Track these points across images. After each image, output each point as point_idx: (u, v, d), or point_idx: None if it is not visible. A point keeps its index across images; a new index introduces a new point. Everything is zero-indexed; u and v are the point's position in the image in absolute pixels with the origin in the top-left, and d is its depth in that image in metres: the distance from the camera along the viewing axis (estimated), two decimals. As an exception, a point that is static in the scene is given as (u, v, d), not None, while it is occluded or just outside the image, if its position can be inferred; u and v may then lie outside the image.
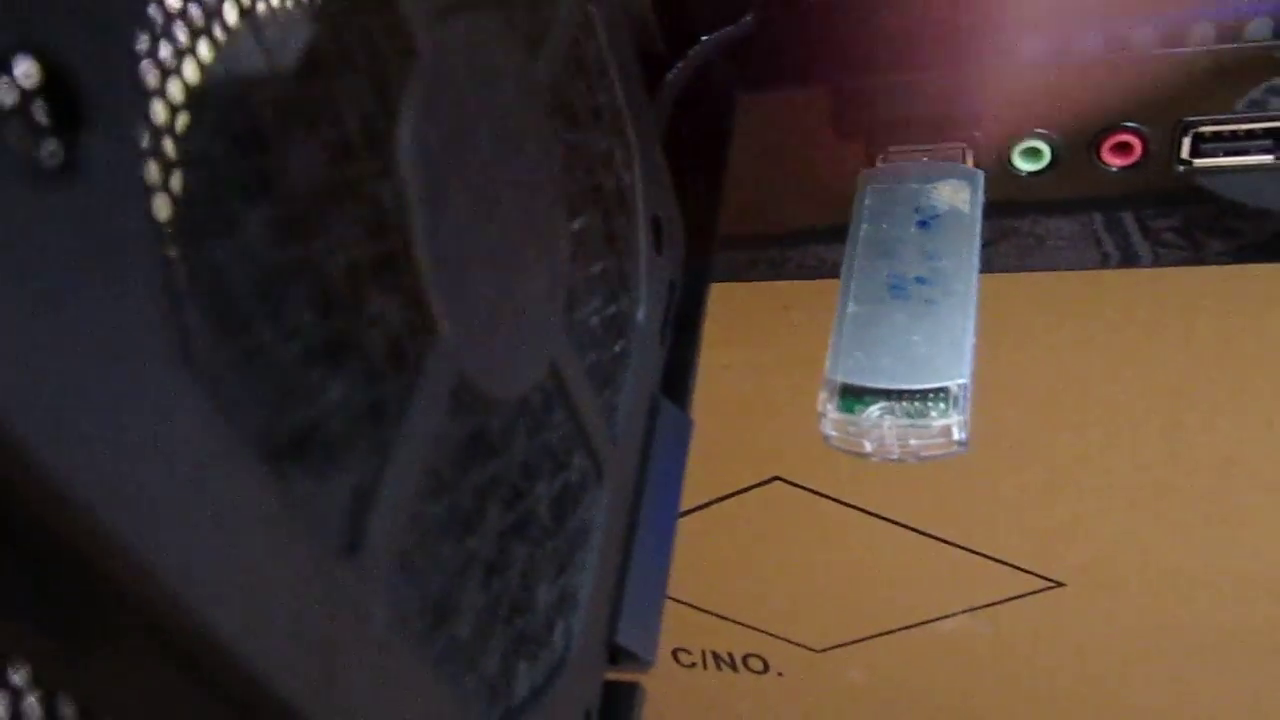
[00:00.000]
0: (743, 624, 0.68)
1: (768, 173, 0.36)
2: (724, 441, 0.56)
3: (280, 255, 0.12)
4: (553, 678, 0.19)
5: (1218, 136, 0.33)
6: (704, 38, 0.35)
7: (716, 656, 0.69)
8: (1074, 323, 0.46)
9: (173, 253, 0.11)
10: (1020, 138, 0.34)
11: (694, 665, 0.69)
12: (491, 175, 0.17)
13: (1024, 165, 0.34)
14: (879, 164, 0.35)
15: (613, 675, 0.22)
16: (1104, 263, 0.38)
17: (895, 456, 0.28)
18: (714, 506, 0.59)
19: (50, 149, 0.09)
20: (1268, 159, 0.33)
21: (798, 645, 0.69)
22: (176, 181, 0.11)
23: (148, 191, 0.10)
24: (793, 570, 0.63)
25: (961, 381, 0.28)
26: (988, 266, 0.37)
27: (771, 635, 0.69)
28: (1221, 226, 0.36)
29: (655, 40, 0.33)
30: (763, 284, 0.44)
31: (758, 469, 0.56)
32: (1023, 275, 0.40)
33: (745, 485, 0.58)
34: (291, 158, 0.13)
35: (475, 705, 0.16)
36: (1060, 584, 0.60)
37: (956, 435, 0.28)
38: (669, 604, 0.75)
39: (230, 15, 0.11)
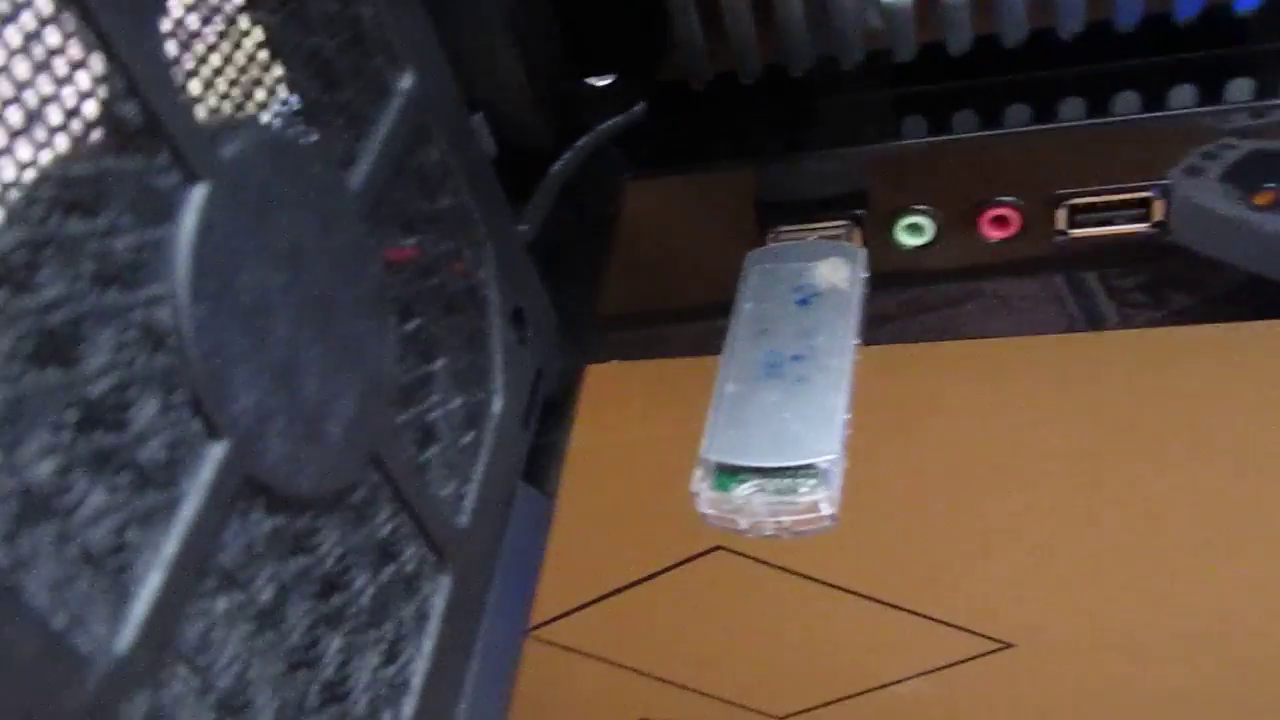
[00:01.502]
0: (703, 693, 0.68)
1: (662, 254, 0.37)
2: (665, 513, 0.56)
3: (35, 379, 0.13)
4: (379, 765, 0.19)
5: (1091, 208, 0.34)
6: (597, 126, 0.36)
7: (678, 727, 0.69)
8: (990, 388, 0.47)
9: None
10: (903, 214, 0.35)
11: (655, 736, 0.69)
12: (290, 284, 0.18)
13: (908, 240, 0.35)
14: (769, 243, 0.36)
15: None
16: (1070, 325, 0.38)
17: (769, 533, 0.29)
18: (661, 577, 0.59)
19: None
20: (1141, 227, 0.34)
21: (758, 712, 0.69)
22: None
23: None
24: (745, 638, 0.63)
25: (830, 458, 0.29)
26: (954, 331, 0.38)
27: (731, 704, 0.69)
28: (1188, 279, 0.37)
29: (540, 135, 0.34)
30: (692, 359, 0.45)
31: (699, 539, 0.57)
32: (941, 345, 0.41)
33: (689, 555, 0.58)
34: (47, 290, 0.14)
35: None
36: (1009, 644, 0.60)
37: (825, 510, 0.29)
38: (630, 675, 0.76)
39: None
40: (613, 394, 0.42)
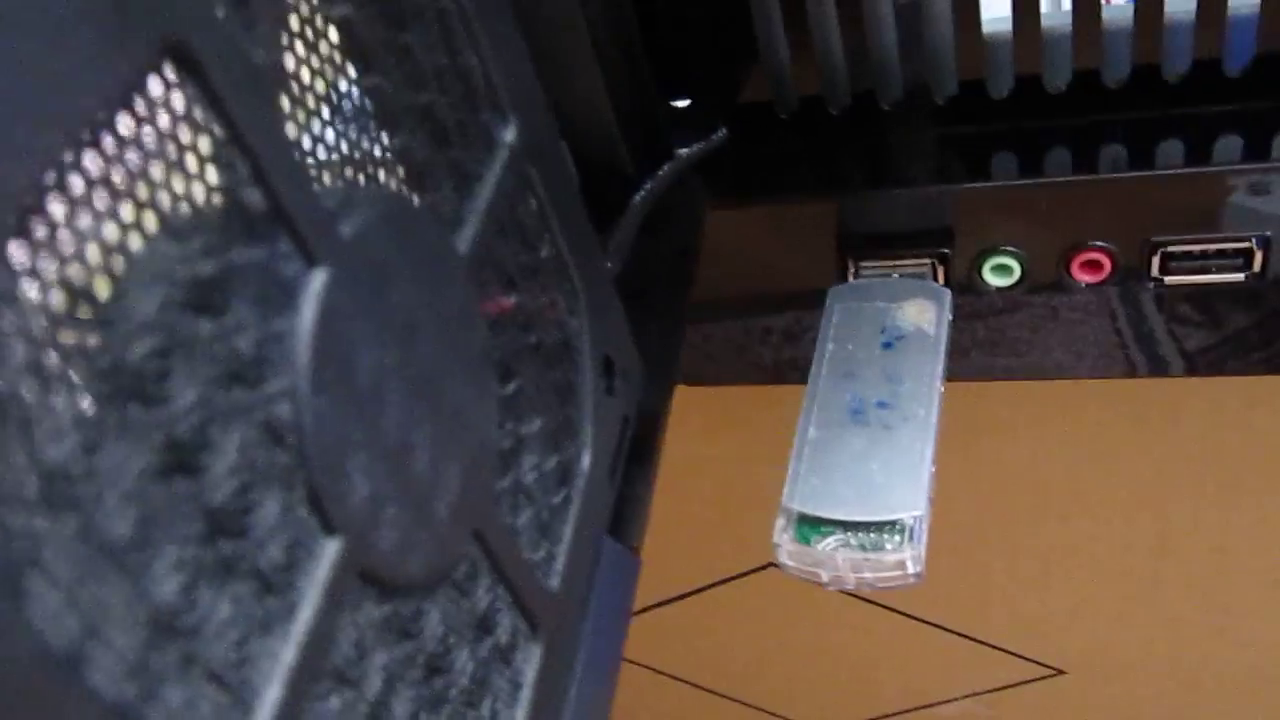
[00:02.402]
0: (747, 704, 0.68)
1: (742, 282, 0.36)
2: (719, 529, 0.56)
3: (164, 494, 0.13)
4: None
5: (1187, 255, 0.33)
6: (679, 151, 0.36)
7: (720, 736, 0.68)
8: (1057, 418, 0.46)
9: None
10: (991, 254, 0.34)
11: (698, 745, 0.68)
12: (403, 361, 0.17)
13: (995, 280, 0.34)
14: (850, 278, 0.35)
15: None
16: (1132, 371, 0.37)
17: (850, 586, 0.28)
18: (710, 591, 0.59)
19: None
20: (1237, 277, 0.33)
21: (799, 726, 0.69)
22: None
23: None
24: (793, 653, 0.63)
25: (917, 513, 0.28)
26: (1006, 346, 0.37)
27: (776, 715, 0.68)
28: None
29: (622, 160, 0.34)
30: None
31: (753, 556, 0.56)
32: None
33: (741, 571, 0.58)
34: (177, 400, 0.13)
35: None
36: (1061, 671, 0.60)
37: (911, 569, 0.28)
38: (675, 684, 0.75)
39: (101, 290, 0.12)
40: (674, 411, 0.41)
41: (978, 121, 0.34)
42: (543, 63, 0.28)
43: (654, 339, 0.30)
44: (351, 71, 0.17)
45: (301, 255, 0.15)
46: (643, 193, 0.33)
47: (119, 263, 0.12)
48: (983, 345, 0.37)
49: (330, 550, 0.15)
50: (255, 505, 0.14)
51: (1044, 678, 0.60)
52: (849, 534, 0.28)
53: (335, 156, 0.17)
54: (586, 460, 0.24)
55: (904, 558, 0.28)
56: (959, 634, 0.58)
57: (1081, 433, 0.46)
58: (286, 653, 0.14)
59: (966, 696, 0.63)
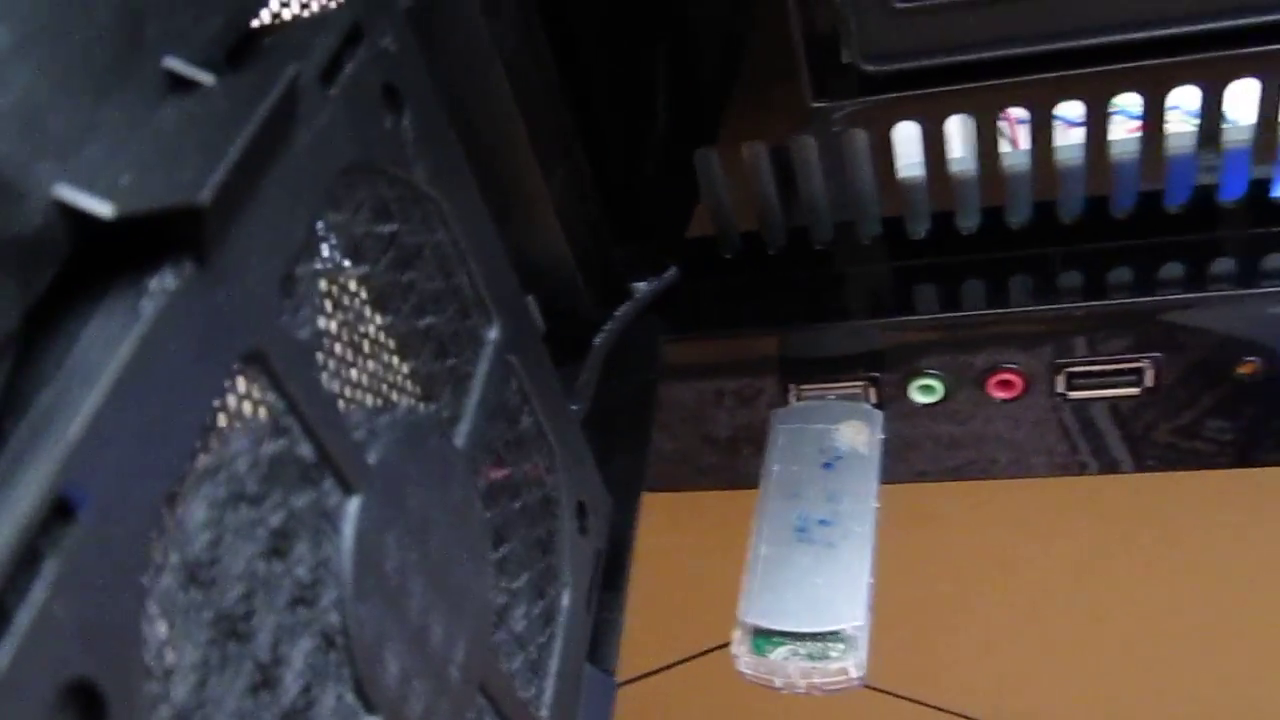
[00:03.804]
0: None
1: (692, 406, 0.40)
2: (684, 606, 0.59)
3: (252, 706, 0.16)
4: None
5: (1088, 374, 0.37)
6: (635, 288, 0.39)
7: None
8: (994, 502, 0.50)
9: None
10: (917, 376, 0.38)
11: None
12: (420, 555, 0.21)
13: (921, 399, 0.38)
14: (792, 400, 0.39)
15: None
16: (1082, 470, 0.41)
17: (801, 691, 0.32)
18: (678, 668, 0.62)
19: None
20: (1133, 391, 0.37)
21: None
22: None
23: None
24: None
25: (858, 624, 0.32)
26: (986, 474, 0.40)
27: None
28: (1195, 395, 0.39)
29: (583, 302, 0.37)
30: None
31: (716, 633, 0.59)
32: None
33: (705, 648, 0.61)
34: (261, 635, 0.16)
35: None
36: (1008, 730, 0.63)
37: (854, 674, 0.32)
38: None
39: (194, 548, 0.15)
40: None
41: (901, 258, 0.38)
42: (508, 221, 0.32)
43: (620, 469, 0.34)
44: (372, 317, 0.21)
45: (340, 487, 0.19)
46: (604, 333, 0.37)
47: (215, 532, 0.16)
48: (948, 445, 0.41)
49: (371, 728, 0.19)
50: (316, 700, 0.18)
51: (992, 737, 0.63)
52: (798, 644, 0.32)
53: (360, 394, 0.20)
54: (567, 599, 0.28)
55: (847, 665, 0.31)
56: (910, 699, 0.62)
57: (1012, 515, 0.51)
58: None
59: (921, 757, 0.66)
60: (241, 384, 0.17)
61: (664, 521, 0.52)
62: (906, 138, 0.35)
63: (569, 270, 0.37)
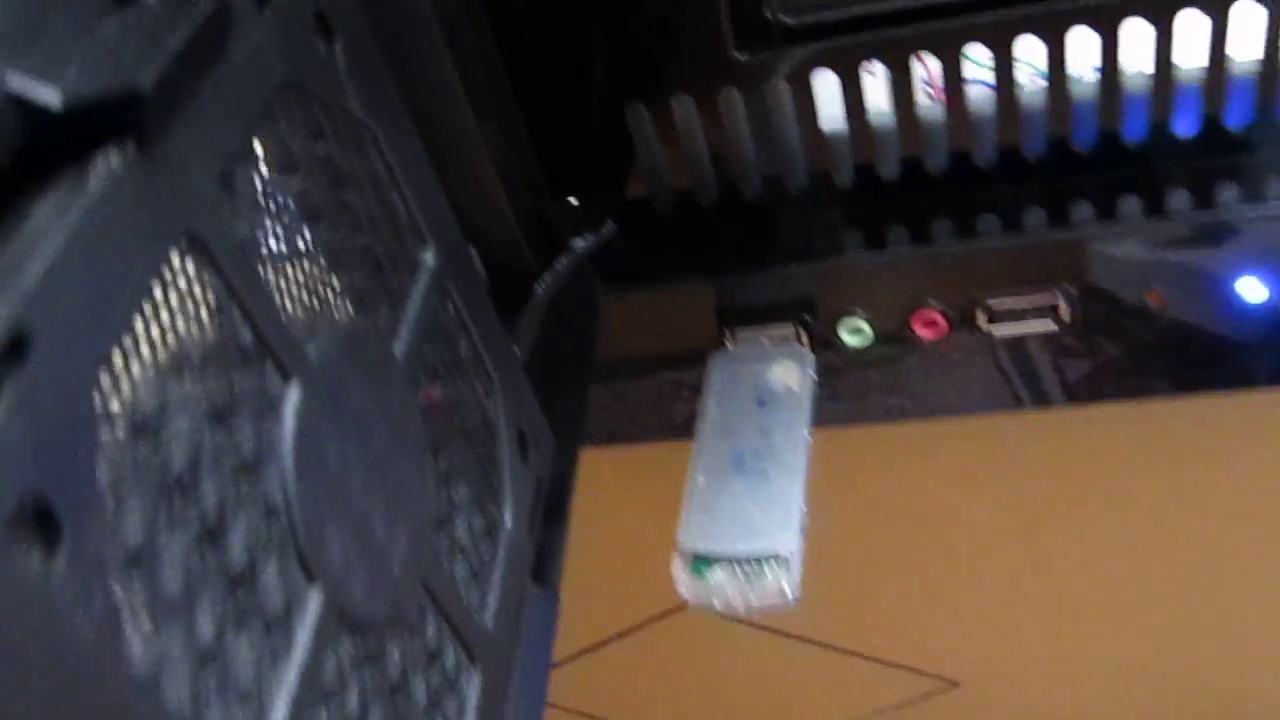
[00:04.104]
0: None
1: (633, 356, 0.42)
2: (636, 570, 0.61)
3: (200, 564, 0.18)
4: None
5: (1008, 311, 0.39)
6: (574, 242, 0.41)
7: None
8: (934, 452, 0.52)
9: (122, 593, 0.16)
10: (845, 318, 0.40)
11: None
12: (360, 451, 0.22)
13: (851, 340, 0.40)
14: (728, 345, 0.40)
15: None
16: (1016, 404, 0.43)
17: (740, 612, 0.34)
18: (632, 634, 0.64)
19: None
20: (1050, 326, 0.39)
21: (725, 758, 0.73)
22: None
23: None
24: (710, 689, 0.67)
25: (791, 547, 0.33)
26: (902, 388, 0.42)
27: (700, 750, 0.73)
28: (1113, 325, 0.41)
29: (524, 255, 0.39)
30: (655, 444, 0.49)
31: (669, 596, 0.61)
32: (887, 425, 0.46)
33: (659, 612, 0.62)
34: (207, 497, 0.18)
35: None
36: (956, 683, 0.65)
37: (789, 593, 0.33)
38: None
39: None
40: (582, 472, 0.45)
41: (827, 206, 0.40)
42: (449, 177, 0.33)
43: (561, 414, 0.36)
44: (309, 229, 0.22)
45: (280, 375, 0.20)
46: (543, 284, 0.39)
47: (159, 395, 0.17)
48: (880, 389, 0.43)
49: (315, 597, 0.20)
50: (261, 565, 0.19)
51: (941, 691, 0.65)
52: (735, 566, 0.34)
53: (300, 295, 0.22)
54: (509, 519, 0.29)
55: (782, 584, 0.33)
56: (862, 655, 0.63)
57: (952, 465, 0.52)
58: (289, 674, 0.19)
59: (872, 714, 0.68)
60: (184, 265, 0.18)
61: (617, 483, 0.54)
62: (835, 93, 0.37)
63: (508, 225, 0.38)
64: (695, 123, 0.39)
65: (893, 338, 0.40)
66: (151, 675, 0.16)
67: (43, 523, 0.14)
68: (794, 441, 0.36)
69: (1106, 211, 0.38)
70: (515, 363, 0.32)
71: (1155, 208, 0.38)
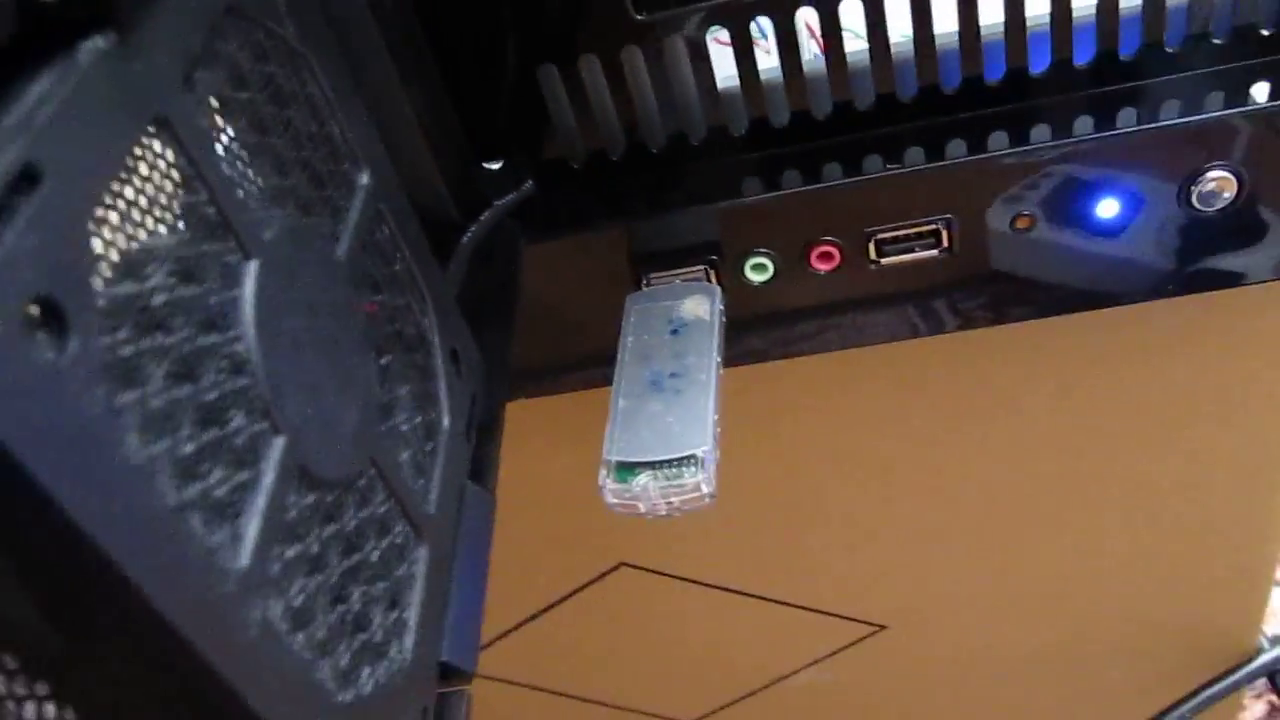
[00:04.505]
0: (616, 706, 0.75)
1: (557, 305, 0.45)
2: (571, 535, 0.64)
3: (177, 392, 0.21)
4: (393, 680, 0.26)
5: (895, 241, 0.43)
6: (496, 202, 0.44)
7: (596, 738, 0.75)
8: (837, 394, 0.55)
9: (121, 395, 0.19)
10: (749, 256, 0.43)
11: (576, 748, 0.75)
12: (310, 328, 0.25)
13: (755, 277, 0.44)
14: (643, 287, 0.44)
15: (447, 688, 0.30)
16: (913, 332, 0.47)
17: (663, 513, 0.37)
18: (572, 599, 0.67)
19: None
20: (934, 253, 0.43)
21: (669, 719, 0.76)
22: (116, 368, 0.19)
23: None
24: (651, 648, 0.70)
25: (705, 448, 0.37)
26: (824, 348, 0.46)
27: (643, 713, 0.76)
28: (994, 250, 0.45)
29: (450, 211, 0.42)
30: (586, 393, 0.52)
31: (604, 557, 0.64)
32: (796, 361, 0.49)
33: (596, 574, 0.65)
34: (177, 333, 0.21)
35: (330, 686, 0.24)
36: (883, 626, 0.69)
37: (705, 490, 0.36)
38: (547, 697, 0.82)
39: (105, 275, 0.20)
40: (511, 431, 0.48)
41: (727, 154, 0.44)
42: (384, 136, 0.36)
43: (490, 348, 0.39)
44: (256, 136, 0.25)
45: (241, 250, 0.23)
46: (468, 236, 0.42)
47: (141, 251, 0.20)
48: (785, 321, 0.46)
49: (278, 444, 0.23)
50: (231, 410, 0.22)
51: (869, 635, 0.69)
52: (656, 470, 0.37)
53: (254, 190, 0.25)
54: (446, 421, 0.32)
55: (699, 481, 0.36)
56: (793, 604, 0.67)
57: (856, 404, 0.56)
58: (259, 502, 0.22)
59: (808, 665, 0.71)
60: (155, 145, 0.21)
61: (521, 441, 0.57)
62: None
63: (435, 182, 0.42)
64: (601, 82, 0.42)
65: (793, 271, 0.44)
66: (146, 468, 0.19)
67: (54, 319, 0.17)
68: (705, 362, 0.40)
69: (976, 146, 0.42)
70: (447, 288, 0.35)
71: (1020, 140, 0.42)
